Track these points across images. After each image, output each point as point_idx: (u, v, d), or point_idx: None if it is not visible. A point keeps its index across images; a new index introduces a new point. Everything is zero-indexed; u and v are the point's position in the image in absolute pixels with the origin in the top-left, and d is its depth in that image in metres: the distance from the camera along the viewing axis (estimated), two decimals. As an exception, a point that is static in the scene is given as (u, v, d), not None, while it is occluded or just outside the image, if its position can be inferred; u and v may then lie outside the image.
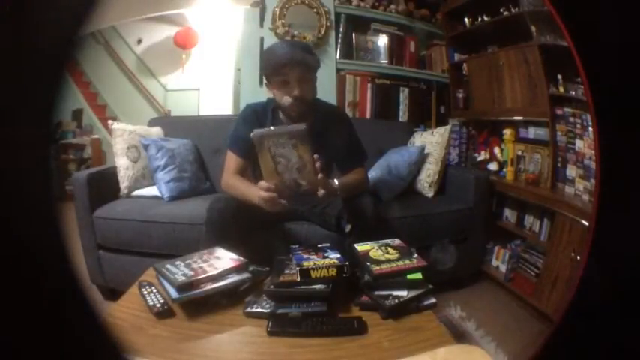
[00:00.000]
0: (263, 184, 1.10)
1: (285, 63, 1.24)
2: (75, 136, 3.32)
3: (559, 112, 1.79)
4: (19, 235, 0.45)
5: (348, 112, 2.38)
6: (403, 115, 2.48)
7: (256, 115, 1.39)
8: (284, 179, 1.06)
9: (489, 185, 1.97)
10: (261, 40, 2.35)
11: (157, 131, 2.04)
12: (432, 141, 1.98)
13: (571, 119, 1.73)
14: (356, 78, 2.43)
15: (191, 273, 0.99)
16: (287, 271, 1.02)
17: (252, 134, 1.03)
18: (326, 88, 2.29)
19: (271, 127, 1.09)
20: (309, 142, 1.04)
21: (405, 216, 1.70)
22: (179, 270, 1.00)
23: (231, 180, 1.34)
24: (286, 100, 1.27)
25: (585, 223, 1.39)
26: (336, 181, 1.24)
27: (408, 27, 2.56)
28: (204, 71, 3.43)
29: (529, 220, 1.93)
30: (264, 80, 1.36)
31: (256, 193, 1.12)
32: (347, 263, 1.01)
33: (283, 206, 1.11)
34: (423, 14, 2.55)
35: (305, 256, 1.06)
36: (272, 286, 0.99)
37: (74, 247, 1.47)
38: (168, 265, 1.03)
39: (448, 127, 1.98)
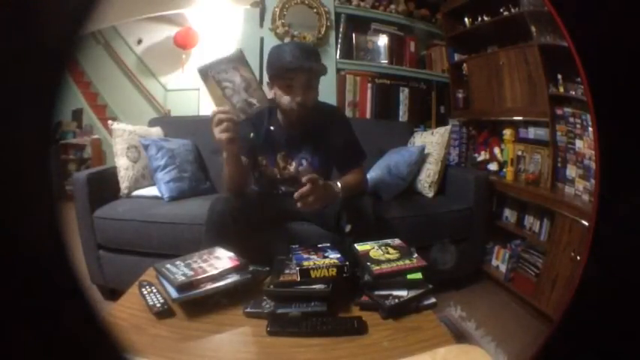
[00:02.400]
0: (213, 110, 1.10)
1: (293, 69, 1.23)
2: (75, 136, 3.32)
3: (559, 112, 1.79)
4: (18, 235, 0.45)
5: (348, 112, 2.38)
6: (403, 115, 2.48)
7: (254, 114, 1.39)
8: (233, 102, 1.09)
9: (489, 185, 1.97)
10: (261, 40, 2.35)
11: (157, 131, 2.04)
12: (432, 141, 1.98)
13: (571, 119, 1.73)
14: (356, 78, 2.43)
15: (191, 273, 0.99)
16: (287, 271, 1.02)
17: (197, 69, 1.06)
18: (326, 88, 2.28)
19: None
20: (248, 63, 1.09)
21: (405, 216, 1.70)
22: (179, 270, 1.00)
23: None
24: (287, 103, 1.27)
25: (585, 223, 1.39)
26: (338, 184, 1.24)
27: (408, 27, 2.56)
28: (204, 71, 3.42)
29: (529, 220, 1.93)
30: (267, 80, 1.36)
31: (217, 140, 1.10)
32: (347, 263, 1.01)
33: (235, 130, 1.10)
34: (423, 14, 2.55)
35: (305, 256, 1.06)
36: (272, 286, 0.99)
37: (74, 247, 1.47)
38: (168, 265, 1.03)
39: (448, 127, 1.98)
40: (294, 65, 1.22)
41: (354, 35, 2.47)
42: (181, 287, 0.94)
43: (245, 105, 1.10)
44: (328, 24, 2.38)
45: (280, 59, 1.25)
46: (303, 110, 1.27)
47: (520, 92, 2.02)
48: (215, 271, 1.00)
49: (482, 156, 2.29)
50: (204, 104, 3.44)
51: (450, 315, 1.58)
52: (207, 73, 1.07)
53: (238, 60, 1.08)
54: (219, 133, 1.09)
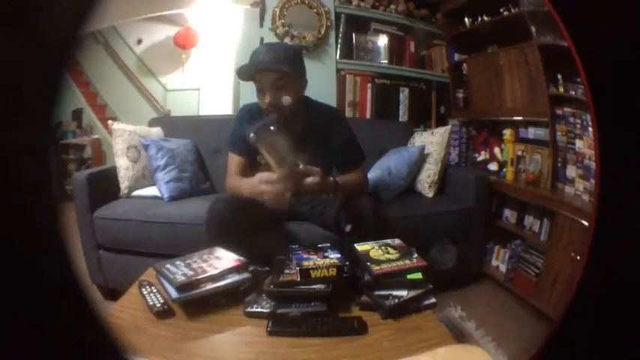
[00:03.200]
0: (264, 175, 1.09)
1: (255, 71, 1.24)
2: (75, 136, 3.31)
3: (559, 112, 1.79)
4: (19, 236, 0.45)
5: (348, 112, 2.38)
6: (403, 115, 2.48)
7: (251, 115, 1.39)
8: (290, 164, 1.07)
9: (489, 185, 1.97)
10: (261, 40, 2.35)
11: (156, 131, 2.04)
12: (432, 141, 1.98)
13: (571, 119, 1.73)
14: (356, 78, 2.43)
15: (191, 273, 0.99)
16: (287, 271, 1.02)
17: (250, 138, 1.05)
18: (326, 88, 2.29)
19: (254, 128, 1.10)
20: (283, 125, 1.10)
21: (405, 216, 1.70)
22: (179, 270, 1.00)
23: (235, 181, 1.34)
24: (261, 104, 1.29)
25: (585, 223, 1.39)
26: (337, 179, 1.24)
27: (408, 27, 2.56)
28: (204, 71, 3.43)
29: (529, 220, 1.93)
30: None
31: (253, 185, 1.11)
32: (347, 263, 1.01)
33: (286, 200, 1.09)
34: (423, 14, 2.54)
35: (305, 256, 1.06)
36: (272, 286, 0.99)
37: (74, 247, 1.47)
38: (168, 265, 1.03)
39: (448, 127, 1.98)
40: (256, 66, 1.23)
41: (354, 35, 2.47)
42: (181, 287, 0.94)
43: (294, 167, 1.08)
44: (328, 24, 2.38)
45: (250, 62, 1.25)
46: (277, 112, 1.26)
47: (520, 92, 2.02)
48: (215, 271, 1.00)
49: (482, 156, 2.29)
50: (204, 104, 3.45)
51: (450, 315, 1.58)
52: (259, 140, 1.05)
53: (275, 124, 1.07)
54: (270, 201, 1.10)
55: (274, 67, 1.23)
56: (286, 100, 1.26)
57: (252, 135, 1.04)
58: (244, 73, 1.27)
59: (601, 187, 0.55)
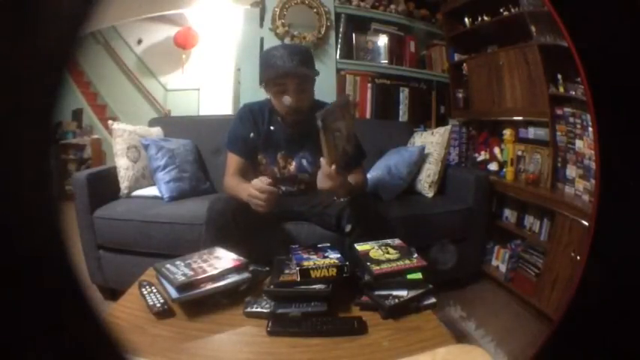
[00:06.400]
0: (257, 182, 1.11)
1: (283, 75, 1.24)
2: (75, 136, 3.31)
3: (559, 112, 1.79)
4: (19, 236, 0.45)
5: (348, 112, 2.38)
6: (403, 115, 2.48)
7: (253, 114, 1.39)
8: (339, 150, 1.10)
9: (489, 185, 1.97)
10: (261, 40, 2.35)
11: (156, 131, 2.04)
12: (432, 141, 1.98)
13: (571, 119, 1.73)
14: (356, 78, 2.43)
15: (191, 273, 0.99)
16: (287, 271, 1.02)
17: (319, 120, 1.03)
18: (326, 88, 2.29)
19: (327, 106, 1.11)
20: (352, 111, 1.10)
21: (405, 216, 1.70)
22: (179, 270, 1.00)
23: (230, 181, 1.34)
24: (281, 108, 1.30)
25: (585, 223, 1.39)
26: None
27: (408, 27, 2.56)
28: (204, 71, 3.43)
29: (529, 220, 1.93)
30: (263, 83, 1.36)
31: (246, 190, 1.13)
32: (347, 263, 1.01)
33: (271, 208, 1.14)
34: (423, 14, 2.55)
35: (305, 256, 1.06)
36: (272, 286, 0.99)
37: (74, 247, 1.47)
38: (168, 265, 1.03)
39: (448, 127, 1.98)
40: (285, 72, 1.23)
41: (354, 35, 2.47)
42: (181, 287, 0.94)
43: (342, 153, 1.11)
44: (328, 24, 2.38)
45: (271, 65, 1.25)
46: (297, 113, 1.29)
47: (520, 92, 2.02)
48: (215, 271, 1.00)
49: (482, 156, 2.29)
50: (204, 104, 3.45)
51: (450, 315, 1.58)
52: (326, 121, 1.05)
53: (346, 107, 1.10)
54: (255, 206, 1.15)
55: (302, 72, 1.25)
56: (282, 108, 1.29)
57: (319, 122, 1.03)
58: (265, 77, 1.28)
59: (601, 187, 0.55)
